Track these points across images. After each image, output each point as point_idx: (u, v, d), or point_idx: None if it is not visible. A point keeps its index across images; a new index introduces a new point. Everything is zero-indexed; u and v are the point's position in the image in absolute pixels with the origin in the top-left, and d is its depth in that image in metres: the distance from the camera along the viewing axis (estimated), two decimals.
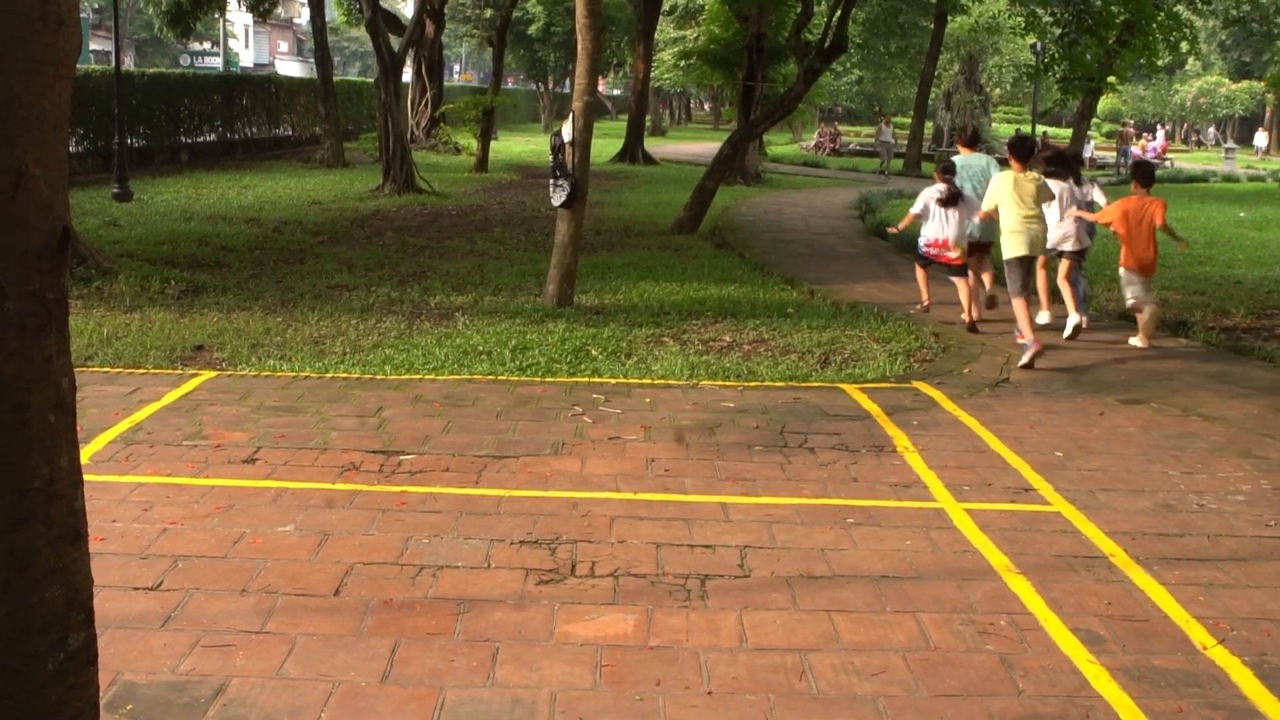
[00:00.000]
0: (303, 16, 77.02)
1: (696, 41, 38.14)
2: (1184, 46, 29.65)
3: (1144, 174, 10.16)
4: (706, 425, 6.92)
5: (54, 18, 2.18)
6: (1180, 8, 29.36)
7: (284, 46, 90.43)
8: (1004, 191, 9.29)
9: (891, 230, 12.30)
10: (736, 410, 7.29)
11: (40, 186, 2.18)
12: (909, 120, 40.86)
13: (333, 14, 40.23)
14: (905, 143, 38.74)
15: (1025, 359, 8.81)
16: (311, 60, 31.88)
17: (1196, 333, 10.29)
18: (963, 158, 11.10)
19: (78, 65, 2.95)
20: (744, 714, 3.67)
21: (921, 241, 10.79)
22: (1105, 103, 59.07)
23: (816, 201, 24.62)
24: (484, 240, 15.48)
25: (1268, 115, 67.52)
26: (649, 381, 7.98)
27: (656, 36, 41.00)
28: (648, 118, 43.11)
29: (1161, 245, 10.06)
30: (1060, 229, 10.09)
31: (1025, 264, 9.34)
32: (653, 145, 39.76)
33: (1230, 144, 54.58)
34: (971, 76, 48.19)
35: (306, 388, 7.53)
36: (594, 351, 8.74)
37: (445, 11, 35.46)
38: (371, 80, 26.76)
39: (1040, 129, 41.06)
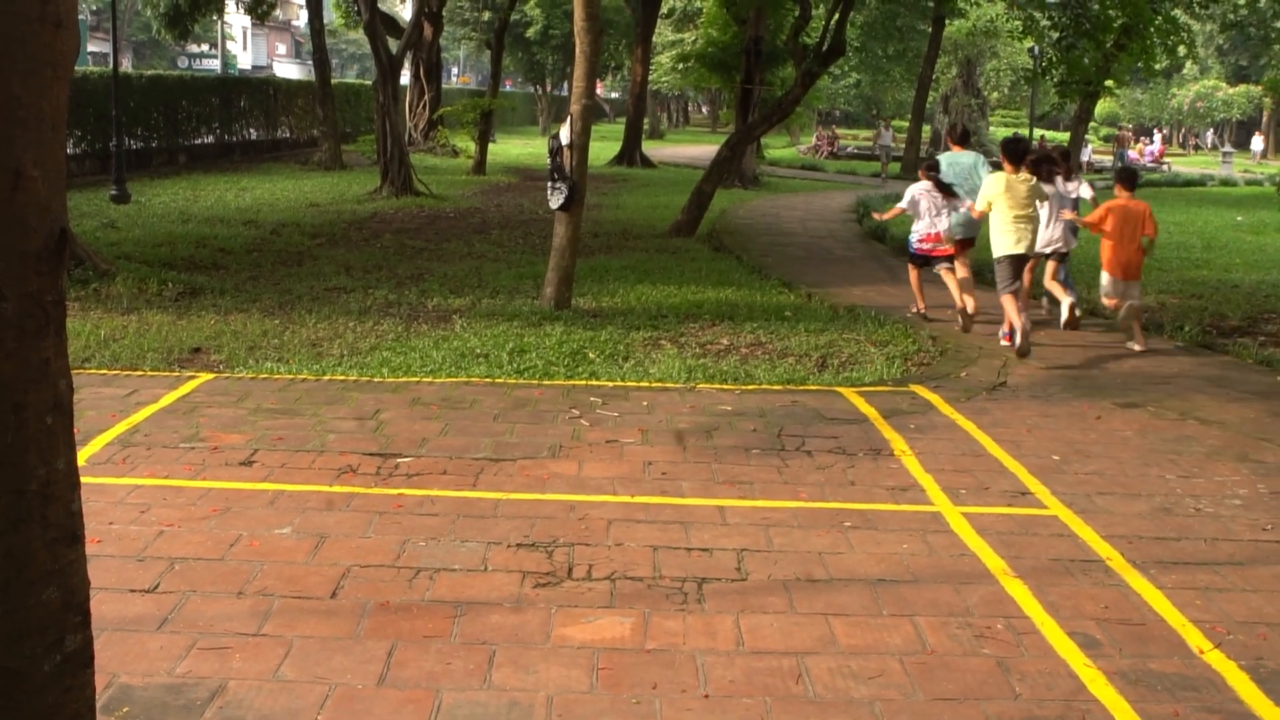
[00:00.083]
0: (301, 19, 77.10)
1: (694, 44, 38.21)
2: (1181, 50, 29.67)
3: (1128, 178, 10.38)
4: (704, 428, 6.92)
5: (52, 19, 2.19)
6: (1178, 11, 29.40)
7: (282, 49, 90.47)
8: (997, 192, 9.47)
9: (875, 215, 12.33)
10: (734, 413, 7.29)
11: (38, 188, 2.19)
12: (907, 124, 40.90)
13: (331, 16, 40.21)
14: (904, 146, 38.77)
15: (1018, 342, 9.11)
16: (310, 62, 31.91)
17: (1193, 336, 10.31)
18: (952, 155, 11.21)
19: (76, 67, 2.95)
20: (741, 717, 3.67)
21: (914, 239, 10.83)
22: (1103, 106, 59.10)
23: (814, 205, 24.64)
24: (482, 243, 15.48)
25: (1265, 119, 67.61)
26: (646, 384, 7.98)
27: (654, 39, 41.05)
28: (645, 121, 43.14)
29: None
30: (1046, 233, 10.30)
31: (1016, 264, 9.53)
32: (650, 148, 39.79)
33: (1227, 148, 54.63)
34: (969, 80, 48.30)
35: (304, 390, 7.52)
36: (591, 354, 8.74)
37: (443, 14, 35.49)
38: (369, 83, 26.78)
39: (1038, 133, 41.12)
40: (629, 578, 4.70)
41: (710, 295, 11.55)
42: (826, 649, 4.14)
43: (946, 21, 38.50)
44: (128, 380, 7.66)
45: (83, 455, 5.91)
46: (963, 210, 10.35)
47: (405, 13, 54.93)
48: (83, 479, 2.54)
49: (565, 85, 56.19)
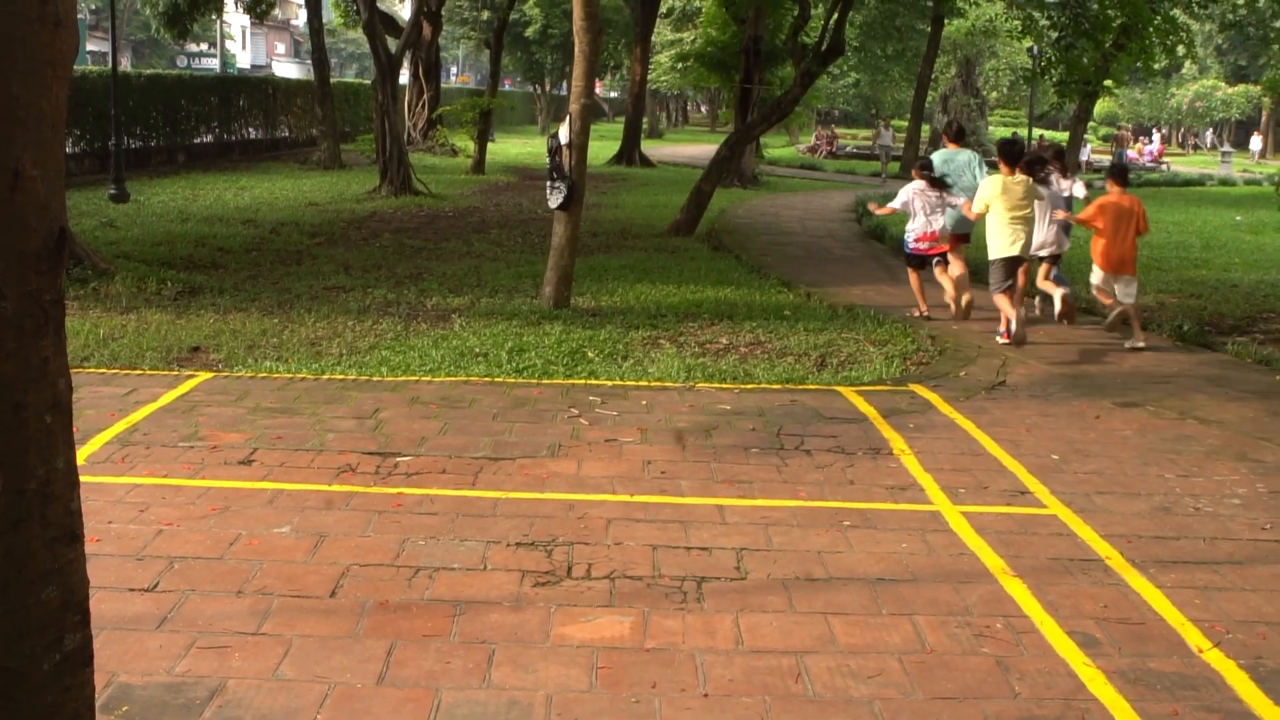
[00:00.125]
0: (300, 18, 77.07)
1: (694, 44, 38.21)
2: (1180, 50, 29.70)
3: (1120, 173, 10.49)
4: (703, 427, 6.92)
5: (52, 18, 2.19)
6: (1177, 11, 29.41)
7: (281, 48, 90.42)
8: (994, 194, 9.63)
9: (871, 207, 12.21)
10: (733, 412, 7.29)
11: (37, 187, 2.18)
12: (905, 123, 40.90)
13: (330, 16, 40.20)
14: (903, 145, 38.77)
15: (1014, 329, 9.42)
16: (309, 62, 31.89)
17: (1192, 336, 10.31)
18: (948, 152, 11.24)
19: (75, 66, 2.95)
20: (740, 716, 3.67)
21: (909, 239, 10.83)
22: (1102, 106, 59.14)
23: (813, 204, 24.64)
24: (481, 242, 15.48)
25: (1264, 119, 67.63)
26: (645, 383, 7.98)
27: (654, 39, 41.03)
28: (644, 120, 43.13)
29: (1144, 245, 10.24)
30: (1040, 235, 10.38)
31: (1011, 265, 9.68)
32: (650, 147, 39.79)
33: (1226, 148, 54.66)
34: (968, 80, 48.30)
35: (303, 389, 7.52)
36: (591, 353, 8.74)
37: (442, 13, 35.47)
38: (368, 82, 26.75)
39: (1037, 132, 41.15)
40: (628, 577, 4.70)
41: (709, 294, 11.55)
42: (826, 648, 4.14)
43: (945, 21, 38.51)
44: (127, 379, 7.66)
45: (82, 454, 5.91)
46: (957, 205, 10.42)
47: (404, 12, 54.95)
48: (82, 478, 2.54)
49: (564, 84, 56.20)
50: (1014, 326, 9.45)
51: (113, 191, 18.23)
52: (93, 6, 60.19)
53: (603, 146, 34.45)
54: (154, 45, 64.70)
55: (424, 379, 7.87)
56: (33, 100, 2.16)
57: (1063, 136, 40.48)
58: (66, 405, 2.33)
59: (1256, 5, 40.20)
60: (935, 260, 10.69)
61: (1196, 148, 73.35)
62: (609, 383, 7.96)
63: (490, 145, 31.37)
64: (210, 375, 7.82)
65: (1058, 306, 10.26)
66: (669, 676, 3.90)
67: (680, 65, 40.50)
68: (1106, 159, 45.98)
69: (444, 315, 10.14)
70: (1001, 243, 9.60)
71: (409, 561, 4.79)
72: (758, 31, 28.42)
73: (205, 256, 13.05)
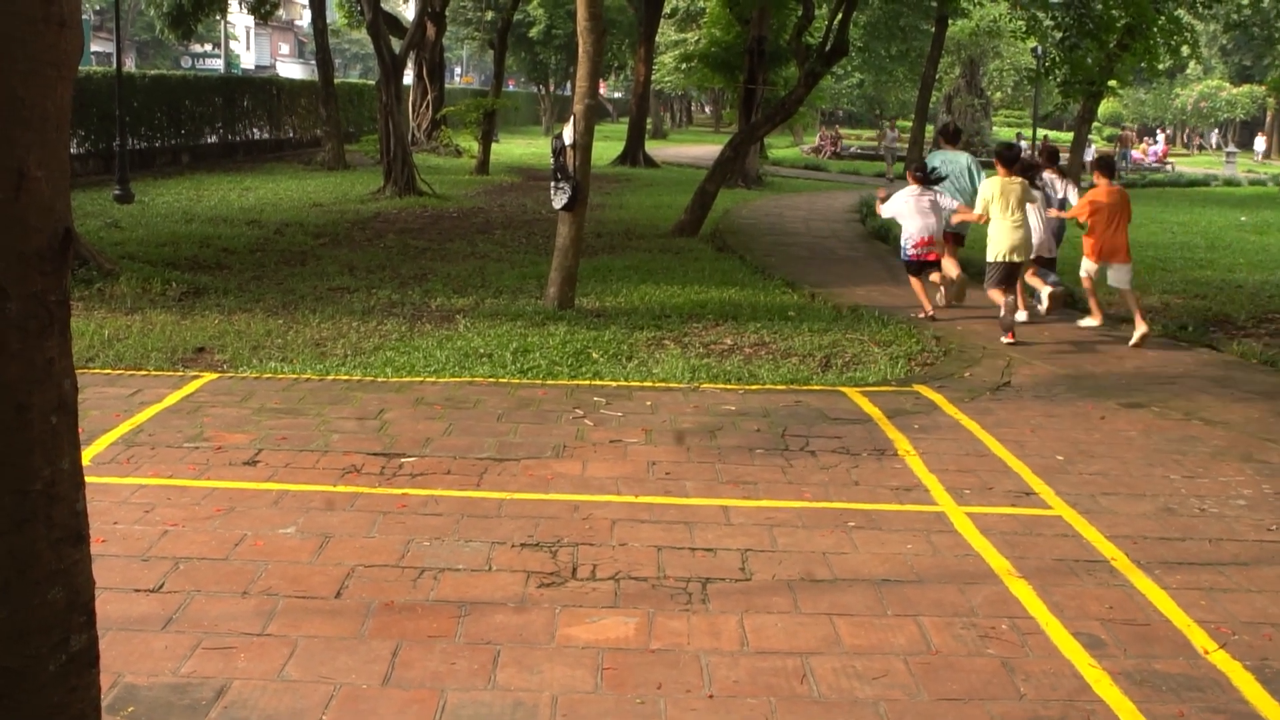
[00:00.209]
0: (304, 19, 77.09)
1: (698, 44, 38.13)
2: (1185, 50, 29.62)
3: (1106, 166, 10.68)
4: (708, 428, 6.91)
5: (56, 19, 2.19)
6: (1181, 11, 29.35)
7: (285, 48, 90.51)
8: (992, 197, 9.85)
9: (880, 195, 12.01)
10: (737, 413, 7.29)
11: (42, 188, 2.18)
12: (909, 124, 40.84)
13: (334, 16, 40.26)
14: (907, 145, 38.71)
15: (1002, 314, 9.66)
16: (313, 62, 31.86)
17: (1197, 336, 10.30)
18: (944, 154, 11.26)
19: (79, 67, 2.94)
20: (745, 717, 3.66)
21: (907, 245, 10.83)
22: (1106, 106, 59.08)
23: (817, 205, 24.62)
24: (485, 243, 15.48)
25: (1268, 120, 67.52)
26: (650, 384, 7.97)
27: (658, 39, 41.05)
28: (649, 120, 43.12)
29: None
30: (1034, 238, 10.45)
31: (1009, 270, 9.94)
32: (654, 148, 39.77)
33: (1231, 148, 54.57)
34: (972, 80, 48.21)
35: (308, 390, 7.53)
36: (595, 354, 8.74)
37: (446, 14, 35.48)
38: (373, 82, 26.81)
39: (1041, 133, 41.09)
40: (633, 578, 4.70)
41: (714, 295, 11.54)
42: (831, 649, 4.14)
43: (950, 21, 38.44)
44: (132, 380, 7.67)
45: (87, 455, 5.92)
46: (952, 207, 10.53)
47: (408, 13, 54.91)
48: (87, 479, 2.54)
49: (568, 85, 56.17)
50: (1003, 312, 9.72)
51: (117, 192, 18.25)
52: (97, 7, 60.32)
53: (607, 147, 34.45)
54: (158, 46, 64.79)
55: (429, 380, 7.87)
56: (37, 101, 2.16)
57: (1067, 137, 40.40)
58: (72, 406, 2.33)
59: (1261, 5, 40.11)
60: (929, 267, 10.74)
61: (1201, 148, 73.24)
62: (614, 383, 7.96)
63: (494, 146, 31.38)
64: (215, 376, 7.83)
65: (1044, 304, 10.44)
66: (674, 677, 3.90)
67: (684, 66, 40.48)
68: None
69: (449, 316, 10.14)
70: (1001, 246, 9.84)
71: (414, 562, 4.79)
72: (762, 32, 28.39)
73: (210, 257, 13.06)
